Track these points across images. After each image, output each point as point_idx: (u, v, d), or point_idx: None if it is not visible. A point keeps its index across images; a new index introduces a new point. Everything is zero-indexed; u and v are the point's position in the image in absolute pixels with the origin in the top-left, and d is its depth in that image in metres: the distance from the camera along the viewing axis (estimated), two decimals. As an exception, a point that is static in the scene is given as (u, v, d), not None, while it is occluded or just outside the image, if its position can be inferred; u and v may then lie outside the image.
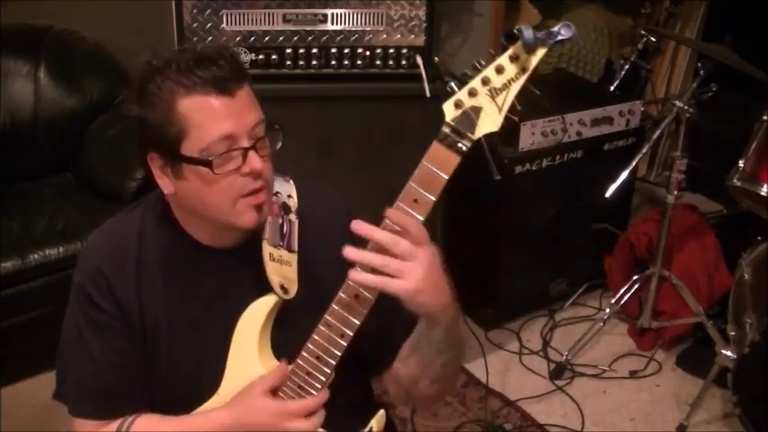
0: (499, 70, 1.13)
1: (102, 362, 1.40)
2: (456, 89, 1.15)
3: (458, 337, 1.33)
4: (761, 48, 2.84)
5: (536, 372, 2.83)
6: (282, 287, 1.36)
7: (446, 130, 1.15)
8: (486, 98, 1.13)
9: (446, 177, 1.16)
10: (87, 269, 1.40)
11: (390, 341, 1.39)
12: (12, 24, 2.94)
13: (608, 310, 2.84)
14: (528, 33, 1.09)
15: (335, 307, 1.26)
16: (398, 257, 1.17)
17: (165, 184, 1.32)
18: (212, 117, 1.24)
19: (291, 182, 1.45)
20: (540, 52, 1.12)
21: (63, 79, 2.95)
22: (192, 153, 1.25)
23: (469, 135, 1.14)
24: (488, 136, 1.16)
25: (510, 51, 1.12)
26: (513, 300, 3.03)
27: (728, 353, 2.40)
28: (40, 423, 1.51)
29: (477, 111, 1.14)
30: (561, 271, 3.10)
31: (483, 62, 1.15)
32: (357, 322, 1.26)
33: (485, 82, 1.13)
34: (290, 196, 1.43)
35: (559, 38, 1.10)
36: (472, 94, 1.14)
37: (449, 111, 1.15)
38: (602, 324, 2.84)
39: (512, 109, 1.15)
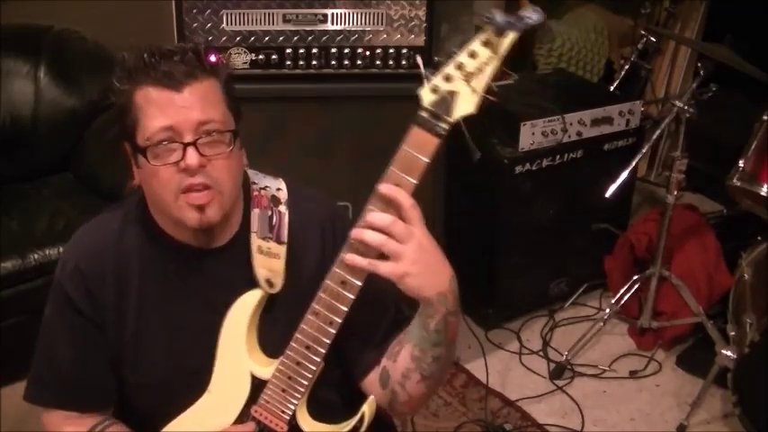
0: (472, 55, 1.16)
1: (64, 358, 1.42)
2: (431, 76, 1.18)
3: (454, 333, 1.31)
4: (761, 48, 2.84)
5: (536, 372, 2.83)
6: (268, 281, 1.36)
7: (424, 114, 1.18)
8: (462, 82, 1.17)
9: (427, 160, 1.19)
10: (66, 265, 1.40)
11: (376, 338, 1.40)
12: (12, 24, 2.94)
13: (608, 310, 2.84)
14: (499, 18, 1.12)
15: (322, 295, 1.27)
16: (394, 239, 1.18)
17: (135, 173, 1.35)
18: (156, 108, 1.26)
19: (281, 179, 1.46)
20: (511, 36, 1.15)
21: (63, 79, 2.95)
22: (140, 142, 1.28)
23: (447, 118, 1.18)
24: (472, 122, 1.20)
25: (482, 36, 1.15)
26: (513, 300, 3.02)
27: (728, 353, 2.40)
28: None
29: (453, 95, 1.17)
30: (561, 271, 3.09)
31: (457, 50, 1.18)
32: (345, 309, 1.26)
33: (459, 67, 1.17)
34: (279, 189, 1.43)
35: (529, 22, 1.13)
36: (448, 79, 1.17)
37: (426, 96, 1.18)
38: (602, 324, 2.84)
39: (489, 91, 1.18)
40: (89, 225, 1.46)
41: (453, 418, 2.61)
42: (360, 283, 1.24)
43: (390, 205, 1.19)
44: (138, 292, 1.39)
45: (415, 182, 1.19)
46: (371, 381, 1.41)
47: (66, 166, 2.99)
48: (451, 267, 1.26)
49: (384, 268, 1.20)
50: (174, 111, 1.26)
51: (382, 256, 1.20)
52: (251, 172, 1.45)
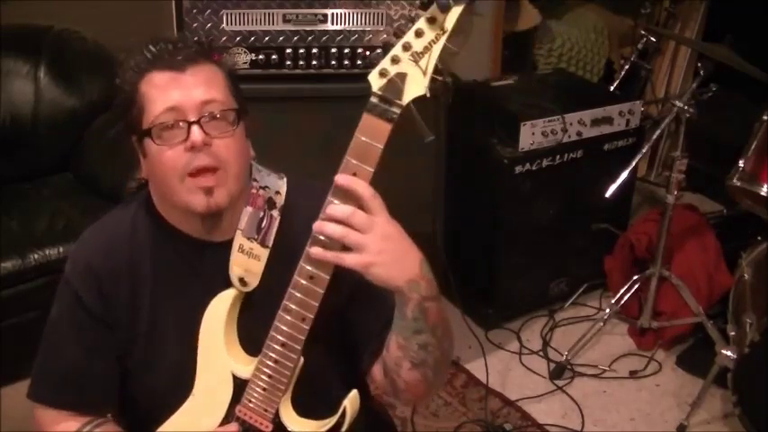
0: (419, 34, 1.14)
1: (71, 357, 1.41)
2: (380, 59, 1.16)
3: (437, 319, 1.28)
4: (761, 48, 2.84)
5: (536, 372, 2.83)
6: (241, 279, 1.35)
7: (374, 100, 1.17)
8: (410, 63, 1.15)
9: (380, 147, 1.17)
10: (77, 264, 1.40)
11: (376, 331, 1.37)
12: (12, 24, 2.94)
13: (608, 310, 2.84)
14: None
15: (293, 291, 1.26)
16: (356, 230, 1.17)
17: (143, 166, 1.35)
18: (159, 90, 1.28)
19: (285, 179, 1.45)
20: (456, 11, 1.13)
21: (63, 79, 2.95)
22: (146, 126, 1.29)
23: (398, 102, 1.16)
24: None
25: (427, 14, 1.13)
26: (513, 300, 3.03)
27: (728, 353, 2.40)
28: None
29: (402, 77, 1.15)
30: (561, 271, 3.09)
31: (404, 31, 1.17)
32: (315, 304, 1.25)
33: (406, 47, 1.15)
34: (278, 193, 1.42)
35: None
36: (395, 61, 1.15)
37: (374, 81, 1.16)
38: (602, 324, 2.84)
39: (437, 71, 1.16)
40: (99, 224, 1.45)
41: (453, 418, 2.61)
42: (327, 277, 1.23)
43: (349, 196, 1.18)
44: (151, 289, 1.39)
45: (371, 170, 1.18)
46: (376, 371, 1.41)
47: (66, 166, 2.99)
48: (421, 252, 1.24)
49: (349, 260, 1.18)
50: (177, 91, 1.28)
51: (348, 248, 1.19)
52: (255, 167, 1.44)
